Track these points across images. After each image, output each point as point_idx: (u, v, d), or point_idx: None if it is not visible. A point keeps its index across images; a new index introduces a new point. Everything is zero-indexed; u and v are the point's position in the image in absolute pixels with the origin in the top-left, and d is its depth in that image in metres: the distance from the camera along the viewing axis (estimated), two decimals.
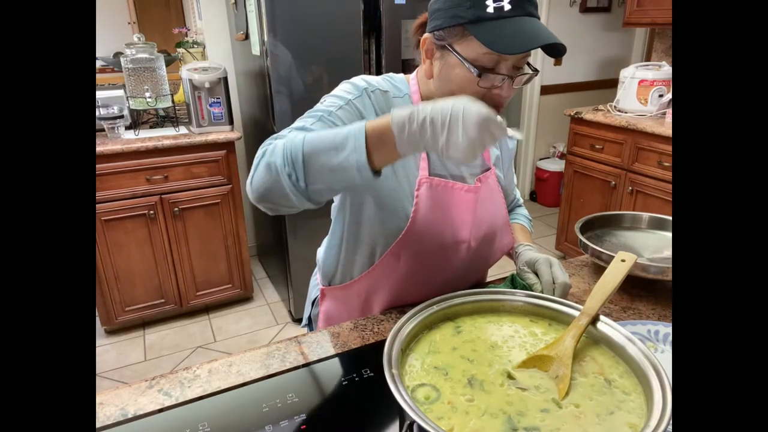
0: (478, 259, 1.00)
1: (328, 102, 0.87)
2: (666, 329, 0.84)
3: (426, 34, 0.84)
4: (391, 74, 0.96)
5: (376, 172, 0.68)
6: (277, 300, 2.77)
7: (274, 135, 0.79)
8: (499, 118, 0.64)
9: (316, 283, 1.14)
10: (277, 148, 0.73)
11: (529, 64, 0.84)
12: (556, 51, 0.79)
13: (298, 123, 0.83)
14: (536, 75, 0.85)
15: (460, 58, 0.79)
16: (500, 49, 0.74)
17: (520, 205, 1.22)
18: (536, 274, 0.91)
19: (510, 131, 0.66)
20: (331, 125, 0.81)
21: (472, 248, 0.96)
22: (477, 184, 0.95)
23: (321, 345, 0.87)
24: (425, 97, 0.91)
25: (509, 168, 1.11)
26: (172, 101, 2.43)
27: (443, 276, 0.96)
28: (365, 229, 0.94)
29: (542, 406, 0.58)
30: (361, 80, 0.90)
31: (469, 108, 0.62)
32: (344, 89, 0.89)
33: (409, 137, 0.65)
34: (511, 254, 1.06)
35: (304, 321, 1.20)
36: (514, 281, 0.95)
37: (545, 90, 3.80)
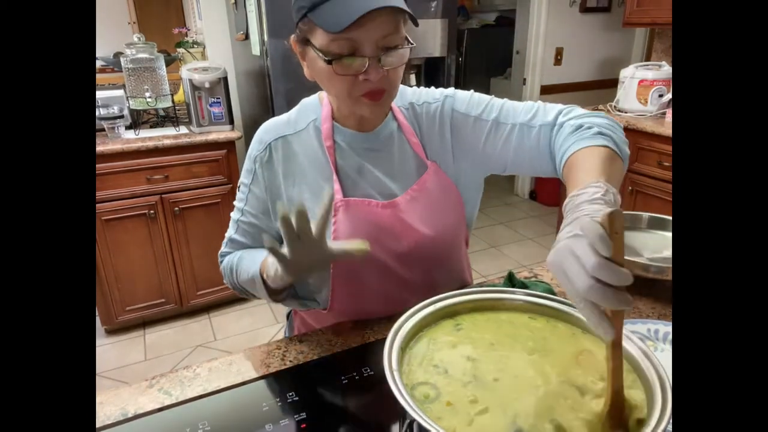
0: (436, 262, 0.93)
1: (238, 197, 0.94)
2: (666, 328, 0.84)
3: (291, 36, 0.82)
4: (304, 100, 0.93)
5: (284, 290, 0.87)
6: None
7: (224, 242, 0.96)
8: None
9: None
10: (224, 277, 0.95)
11: (408, 38, 0.77)
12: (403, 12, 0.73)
13: (229, 230, 0.96)
14: (408, 48, 0.77)
15: (315, 49, 0.75)
16: (330, 28, 0.70)
17: (561, 125, 0.82)
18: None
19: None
20: (247, 227, 0.92)
21: (416, 257, 0.89)
22: (401, 196, 0.88)
23: (321, 344, 0.87)
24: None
25: (475, 124, 0.89)
26: (172, 101, 2.43)
27: (405, 289, 0.91)
28: None
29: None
30: (257, 143, 0.90)
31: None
32: (244, 168, 0.92)
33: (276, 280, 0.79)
34: None
35: (286, 331, 1.15)
36: (512, 279, 0.95)
37: (545, 90, 3.80)
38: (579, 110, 0.84)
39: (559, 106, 0.86)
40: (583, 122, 0.79)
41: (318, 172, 0.88)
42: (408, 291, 0.91)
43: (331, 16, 0.71)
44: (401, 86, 0.92)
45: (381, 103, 0.79)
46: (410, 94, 0.94)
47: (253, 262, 0.85)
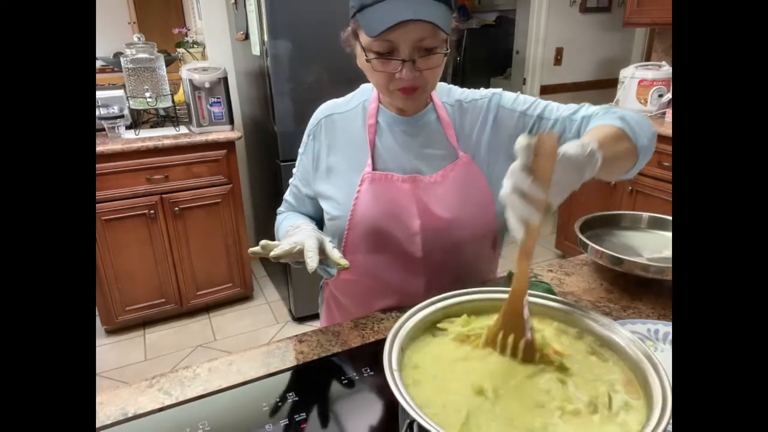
0: (449, 248, 0.95)
1: (296, 164, 1.06)
2: (666, 328, 0.84)
3: (347, 28, 0.89)
4: (363, 85, 1.01)
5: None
6: (277, 299, 2.77)
7: (284, 196, 1.11)
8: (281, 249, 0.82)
9: None
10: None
11: (447, 41, 0.82)
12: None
13: (287, 192, 1.10)
14: (443, 55, 0.82)
15: (360, 45, 0.84)
16: (369, 32, 0.78)
17: (592, 116, 0.87)
18: None
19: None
20: (296, 191, 1.07)
21: (429, 239, 0.93)
22: (427, 177, 0.93)
23: (321, 344, 0.87)
24: None
25: (519, 119, 0.93)
26: (172, 101, 2.43)
27: (418, 270, 0.96)
28: (328, 226, 1.02)
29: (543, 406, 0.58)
30: (313, 119, 1.01)
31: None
32: (303, 141, 1.03)
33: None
34: None
35: (320, 299, 1.23)
36: (512, 279, 0.95)
37: (545, 90, 3.80)
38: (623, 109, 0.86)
39: (606, 105, 0.89)
40: (614, 110, 0.83)
41: (356, 148, 0.96)
42: (418, 271, 0.96)
43: (372, 20, 0.78)
44: (450, 86, 1.00)
45: (414, 98, 0.86)
46: (459, 93, 0.99)
47: (284, 232, 0.97)
